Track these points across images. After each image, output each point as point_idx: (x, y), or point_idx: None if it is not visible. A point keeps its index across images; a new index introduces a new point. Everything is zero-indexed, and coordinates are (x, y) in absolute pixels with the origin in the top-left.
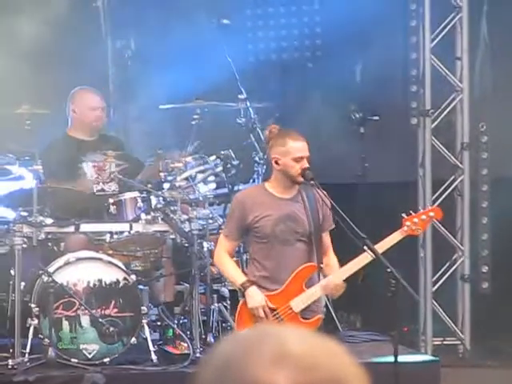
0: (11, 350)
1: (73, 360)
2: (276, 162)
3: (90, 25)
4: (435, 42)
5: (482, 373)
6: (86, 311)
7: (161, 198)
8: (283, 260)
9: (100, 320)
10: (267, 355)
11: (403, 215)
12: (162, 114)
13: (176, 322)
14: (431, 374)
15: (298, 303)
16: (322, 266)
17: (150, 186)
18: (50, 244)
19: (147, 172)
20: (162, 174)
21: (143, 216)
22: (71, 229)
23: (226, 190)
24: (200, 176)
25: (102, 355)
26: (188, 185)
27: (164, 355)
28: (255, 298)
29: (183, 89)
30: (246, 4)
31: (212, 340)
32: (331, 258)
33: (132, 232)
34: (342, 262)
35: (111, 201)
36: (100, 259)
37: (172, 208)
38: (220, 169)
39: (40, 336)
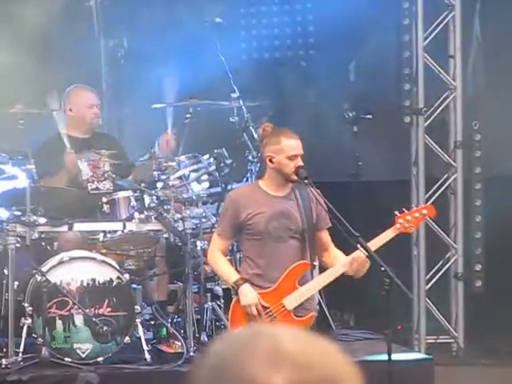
0: (5, 350)
1: (66, 359)
2: (270, 160)
3: (83, 24)
4: (428, 40)
5: (476, 371)
6: (80, 310)
7: (154, 197)
8: (276, 257)
9: (93, 319)
10: (263, 354)
11: (396, 213)
12: (155, 113)
13: (170, 320)
14: (425, 372)
15: (291, 301)
16: (315, 264)
17: (143, 185)
18: (43, 243)
19: (140, 171)
20: (155, 173)
21: (137, 215)
22: (64, 228)
23: (219, 189)
24: (193, 175)
25: (96, 354)
26: (181, 184)
27: (158, 354)
28: (248, 295)
29: (177, 87)
30: (240, 2)
31: (206, 339)
32: (335, 251)
33: (125, 231)
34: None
35: (105, 200)
36: (93, 258)
37: (165, 207)
38: (213, 168)
39: (33, 335)
